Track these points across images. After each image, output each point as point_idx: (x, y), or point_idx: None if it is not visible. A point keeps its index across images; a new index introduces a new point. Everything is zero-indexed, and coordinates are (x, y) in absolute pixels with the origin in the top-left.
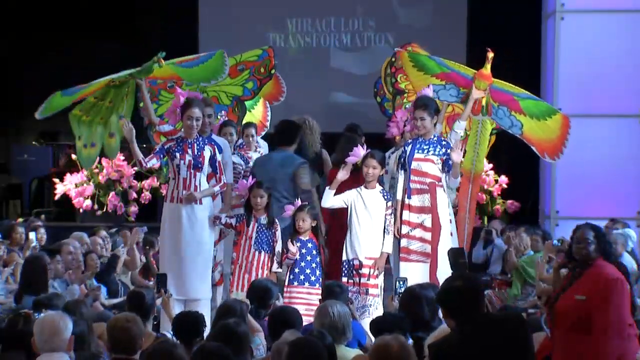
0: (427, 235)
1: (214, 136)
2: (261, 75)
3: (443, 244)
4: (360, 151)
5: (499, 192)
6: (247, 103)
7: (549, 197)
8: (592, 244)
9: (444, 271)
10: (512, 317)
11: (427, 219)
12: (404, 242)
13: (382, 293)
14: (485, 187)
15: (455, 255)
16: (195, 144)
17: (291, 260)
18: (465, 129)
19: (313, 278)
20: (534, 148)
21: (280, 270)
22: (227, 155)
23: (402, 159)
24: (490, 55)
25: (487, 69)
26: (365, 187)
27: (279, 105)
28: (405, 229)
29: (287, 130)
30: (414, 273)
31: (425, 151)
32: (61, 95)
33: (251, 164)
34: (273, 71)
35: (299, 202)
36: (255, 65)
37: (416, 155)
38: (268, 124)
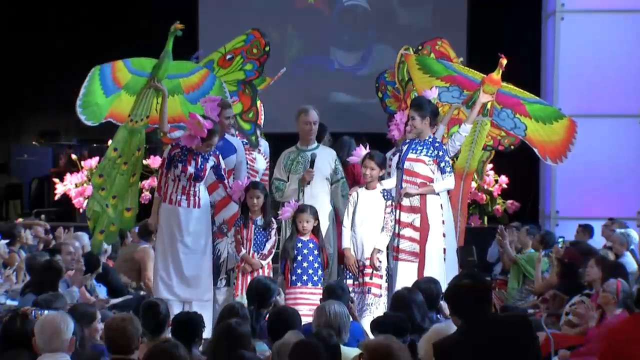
0: (417, 235)
1: (228, 136)
2: (256, 55)
3: (431, 244)
4: (361, 151)
5: (499, 192)
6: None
7: (549, 197)
8: None
9: (432, 271)
10: (519, 318)
11: (417, 219)
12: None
13: (386, 292)
14: (485, 187)
15: (464, 253)
16: (200, 156)
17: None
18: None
19: (315, 278)
20: (535, 150)
21: (260, 262)
22: (240, 155)
23: (398, 159)
24: (504, 61)
25: (498, 74)
26: (367, 188)
27: (279, 105)
28: (395, 228)
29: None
30: (402, 272)
31: (418, 152)
32: (100, 85)
33: (256, 165)
34: (267, 48)
35: (296, 204)
36: (244, 49)
37: (409, 156)
38: (261, 123)
